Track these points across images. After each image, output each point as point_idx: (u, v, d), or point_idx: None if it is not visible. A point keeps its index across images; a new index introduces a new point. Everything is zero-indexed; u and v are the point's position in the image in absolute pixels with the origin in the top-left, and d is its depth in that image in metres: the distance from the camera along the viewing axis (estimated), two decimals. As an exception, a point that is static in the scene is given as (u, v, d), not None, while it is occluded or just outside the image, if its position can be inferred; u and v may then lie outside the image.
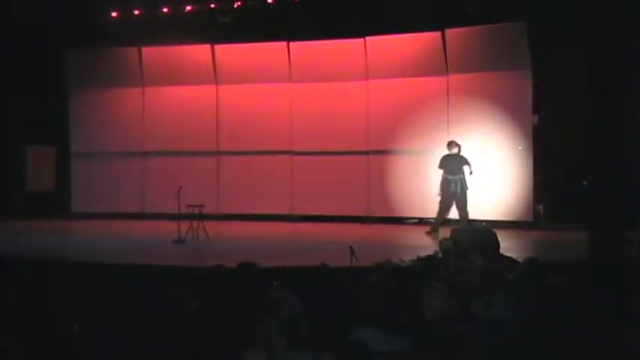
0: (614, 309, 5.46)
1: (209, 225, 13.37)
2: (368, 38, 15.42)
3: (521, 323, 5.10)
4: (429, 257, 7.82)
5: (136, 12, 15.79)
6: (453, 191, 13.53)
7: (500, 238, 9.56)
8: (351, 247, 8.86)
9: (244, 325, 4.74)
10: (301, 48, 15.93)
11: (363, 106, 15.61)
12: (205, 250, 12.22)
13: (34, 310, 5.51)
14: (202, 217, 13.35)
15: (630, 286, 6.33)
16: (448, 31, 14.72)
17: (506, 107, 14.25)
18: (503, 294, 5.78)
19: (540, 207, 14.16)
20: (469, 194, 13.60)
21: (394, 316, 4.70)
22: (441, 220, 13.76)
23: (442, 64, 14.89)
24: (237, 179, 16.30)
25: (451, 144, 13.80)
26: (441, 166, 13.75)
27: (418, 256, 8.25)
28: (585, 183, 12.78)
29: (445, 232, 11.21)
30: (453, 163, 13.67)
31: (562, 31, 13.32)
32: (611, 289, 6.04)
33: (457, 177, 13.56)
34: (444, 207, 13.79)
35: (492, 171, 14.34)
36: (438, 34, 14.82)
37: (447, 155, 13.78)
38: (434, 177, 14.05)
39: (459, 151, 13.78)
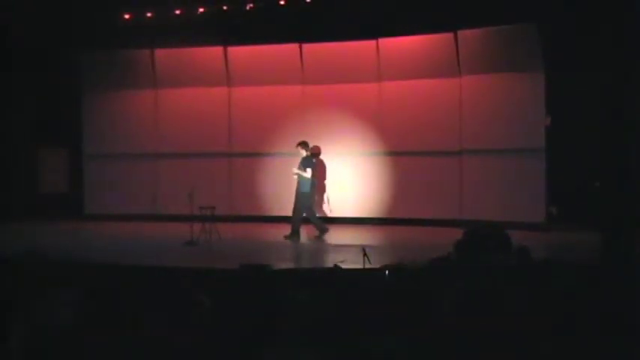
0: (625, 311, 5.44)
1: (221, 227, 13.39)
2: (380, 40, 15.41)
3: (530, 324, 5.09)
4: (443, 258, 7.82)
5: (149, 14, 15.85)
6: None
7: (512, 240, 9.51)
8: (364, 249, 8.91)
9: (259, 326, 4.75)
10: (313, 50, 15.94)
11: (375, 107, 15.60)
12: (217, 252, 12.24)
13: (47, 310, 5.53)
14: (214, 218, 13.37)
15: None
16: (460, 33, 14.71)
17: (519, 108, 14.21)
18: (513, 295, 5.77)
19: (553, 208, 14.12)
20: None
21: (403, 316, 4.70)
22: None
23: (455, 66, 14.87)
24: (249, 181, 16.32)
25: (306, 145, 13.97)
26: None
27: (432, 258, 8.25)
28: (598, 184, 12.74)
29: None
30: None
31: (575, 32, 13.29)
32: (623, 291, 6.02)
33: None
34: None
35: (504, 171, 14.32)
36: (450, 35, 14.80)
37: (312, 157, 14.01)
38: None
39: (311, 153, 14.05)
